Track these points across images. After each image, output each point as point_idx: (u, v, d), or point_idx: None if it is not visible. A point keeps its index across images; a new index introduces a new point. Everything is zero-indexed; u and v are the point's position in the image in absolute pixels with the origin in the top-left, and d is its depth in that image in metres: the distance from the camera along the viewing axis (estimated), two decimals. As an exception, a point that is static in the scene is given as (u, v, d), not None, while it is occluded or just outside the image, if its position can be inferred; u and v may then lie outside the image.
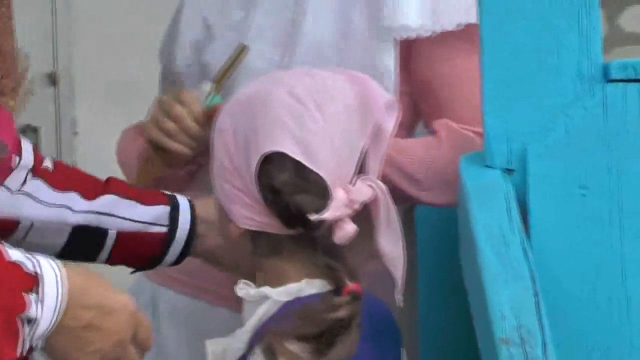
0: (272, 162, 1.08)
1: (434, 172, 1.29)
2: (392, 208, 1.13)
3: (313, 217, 1.06)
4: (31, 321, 0.89)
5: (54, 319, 0.90)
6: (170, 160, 1.37)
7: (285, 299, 1.12)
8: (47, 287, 0.89)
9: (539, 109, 1.14)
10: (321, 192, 1.08)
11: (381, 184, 1.11)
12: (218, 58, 1.37)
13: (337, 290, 1.10)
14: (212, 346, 1.18)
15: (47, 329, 0.90)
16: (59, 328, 0.92)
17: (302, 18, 1.36)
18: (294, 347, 1.06)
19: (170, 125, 1.31)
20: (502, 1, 1.12)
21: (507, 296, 0.96)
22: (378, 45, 1.34)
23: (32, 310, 0.88)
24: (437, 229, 1.42)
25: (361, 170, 1.12)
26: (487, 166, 1.17)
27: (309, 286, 1.13)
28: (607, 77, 1.12)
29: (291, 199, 1.08)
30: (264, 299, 1.13)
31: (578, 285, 1.12)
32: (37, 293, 0.88)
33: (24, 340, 0.89)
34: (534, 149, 1.12)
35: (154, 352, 1.27)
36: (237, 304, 1.20)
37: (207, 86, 1.35)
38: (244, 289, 1.15)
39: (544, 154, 1.12)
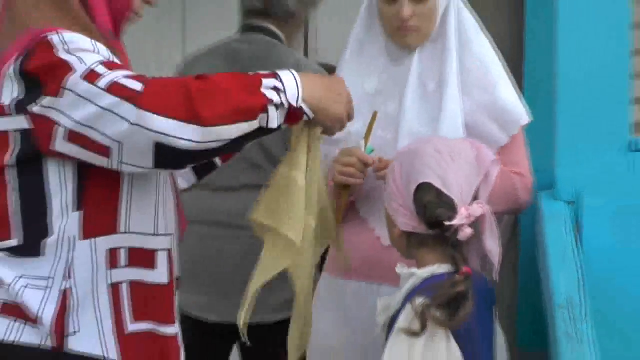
0: (423, 189, 1.62)
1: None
2: (494, 221, 1.67)
3: (447, 223, 1.59)
4: (278, 89, 1.35)
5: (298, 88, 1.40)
6: (352, 191, 1.92)
7: (425, 275, 1.63)
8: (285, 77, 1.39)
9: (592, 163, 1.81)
10: (452, 208, 1.59)
11: (487, 206, 1.67)
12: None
13: (457, 271, 1.60)
14: (381, 302, 1.73)
15: (295, 95, 1.39)
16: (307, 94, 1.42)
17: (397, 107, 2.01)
18: (433, 311, 1.55)
19: (351, 169, 1.89)
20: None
21: (564, 279, 1.56)
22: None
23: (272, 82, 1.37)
24: (529, 238, 2.06)
25: (475, 197, 1.67)
26: (556, 199, 1.81)
27: (440, 268, 1.63)
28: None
29: (434, 211, 1.60)
30: (412, 276, 1.66)
31: (612, 275, 1.76)
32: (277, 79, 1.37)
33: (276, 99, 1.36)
34: (587, 191, 1.77)
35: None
36: (395, 282, 1.73)
37: (362, 144, 1.89)
38: (401, 268, 1.69)
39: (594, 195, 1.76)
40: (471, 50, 1.97)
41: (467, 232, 1.60)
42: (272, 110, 1.38)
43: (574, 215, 1.80)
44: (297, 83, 1.40)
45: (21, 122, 1.43)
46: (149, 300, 1.54)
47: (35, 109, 1.40)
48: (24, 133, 1.45)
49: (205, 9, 3.24)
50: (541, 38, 2.78)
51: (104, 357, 1.46)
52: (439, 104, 1.92)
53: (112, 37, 1.56)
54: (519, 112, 1.90)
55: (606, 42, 2.02)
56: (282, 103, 1.38)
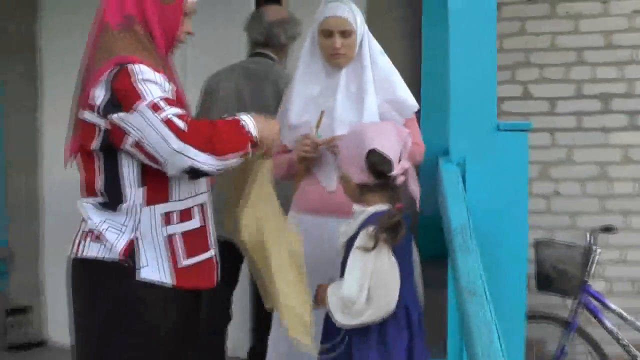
0: (372, 153, 2.22)
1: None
2: (413, 171, 2.34)
3: (389, 174, 2.23)
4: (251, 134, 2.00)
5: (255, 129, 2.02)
6: (308, 162, 2.66)
7: (373, 211, 2.26)
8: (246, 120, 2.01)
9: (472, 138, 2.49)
10: (390, 164, 2.22)
11: (409, 162, 2.32)
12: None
13: (394, 207, 2.25)
14: (341, 227, 2.32)
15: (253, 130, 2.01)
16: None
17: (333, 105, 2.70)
18: (381, 233, 2.14)
19: (307, 147, 2.62)
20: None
21: (457, 213, 2.21)
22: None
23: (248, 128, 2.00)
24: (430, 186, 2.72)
25: (400, 158, 2.28)
26: (449, 162, 2.52)
27: (382, 207, 2.26)
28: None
29: (378, 167, 2.22)
30: (363, 212, 2.27)
31: (484, 209, 2.41)
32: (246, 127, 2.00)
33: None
34: (470, 158, 2.48)
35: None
36: (347, 215, 2.35)
37: (314, 131, 2.63)
38: (356, 207, 2.30)
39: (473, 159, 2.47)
40: (377, 65, 2.74)
41: (401, 178, 2.26)
42: (248, 146, 2.05)
43: (462, 172, 2.49)
44: (252, 123, 2.07)
45: (104, 123, 1.95)
46: (191, 241, 2.10)
47: (114, 117, 1.91)
48: (105, 131, 1.96)
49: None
50: (435, 53, 3.66)
51: (164, 282, 2.04)
52: (360, 101, 2.67)
53: (165, 58, 2.13)
54: (411, 103, 2.73)
55: (482, 54, 2.59)
56: (251, 139, 2.06)
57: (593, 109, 4.41)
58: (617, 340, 3.85)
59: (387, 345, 2.19)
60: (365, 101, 2.64)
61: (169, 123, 1.90)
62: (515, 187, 2.53)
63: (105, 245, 2.01)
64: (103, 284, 2.03)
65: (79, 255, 2.05)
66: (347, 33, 2.62)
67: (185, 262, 2.07)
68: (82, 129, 2.03)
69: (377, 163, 2.23)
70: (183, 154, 1.90)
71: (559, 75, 4.42)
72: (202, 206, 2.15)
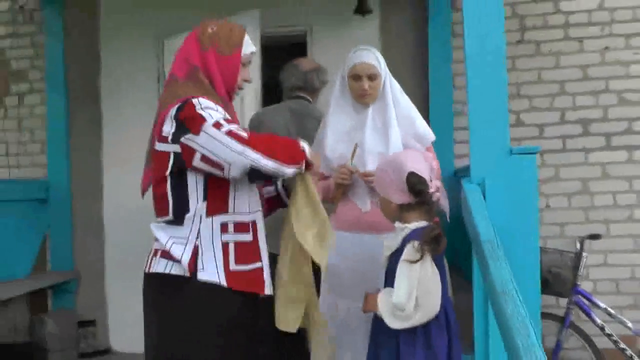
0: (410, 175, 2.30)
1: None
2: (444, 189, 2.47)
3: (427, 192, 2.33)
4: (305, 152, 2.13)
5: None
6: (345, 189, 2.76)
7: (414, 227, 2.34)
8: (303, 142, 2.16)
9: (490, 162, 2.54)
10: (426, 184, 2.34)
11: (439, 181, 2.44)
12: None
13: (432, 222, 2.34)
14: (386, 241, 2.42)
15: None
16: None
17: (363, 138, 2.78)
18: (425, 245, 2.22)
19: (345, 176, 2.71)
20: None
21: (484, 227, 2.31)
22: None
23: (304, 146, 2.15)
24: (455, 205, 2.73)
25: (431, 178, 2.38)
26: (471, 182, 2.59)
27: (420, 223, 2.36)
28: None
29: (417, 187, 2.32)
30: (405, 228, 2.36)
31: (503, 223, 2.39)
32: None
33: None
34: (489, 178, 2.53)
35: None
36: (379, 231, 2.52)
37: (349, 161, 2.70)
38: (398, 224, 2.37)
39: (491, 180, 2.53)
40: (399, 103, 2.82)
41: (437, 195, 2.37)
42: (302, 164, 2.16)
43: (482, 190, 2.49)
44: (307, 150, 2.18)
45: (175, 148, 2.06)
46: (243, 251, 2.15)
47: (182, 139, 2.03)
48: (176, 154, 2.06)
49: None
50: (440, 88, 3.68)
51: (219, 283, 2.07)
52: (385, 135, 2.76)
53: (226, 101, 2.23)
54: (428, 135, 2.83)
55: (492, 88, 2.55)
56: (305, 159, 2.16)
57: (575, 133, 4.59)
58: (606, 334, 3.94)
59: (431, 344, 2.24)
60: (390, 134, 2.76)
61: (230, 133, 2.04)
62: (527, 202, 2.52)
63: (171, 261, 2.09)
64: (168, 293, 2.10)
65: (150, 270, 2.15)
66: (373, 77, 2.76)
67: (235, 267, 2.12)
68: (157, 160, 2.14)
69: (415, 183, 2.33)
70: (244, 155, 2.01)
71: (545, 105, 4.61)
72: (255, 223, 2.22)
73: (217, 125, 2.03)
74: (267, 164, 2.03)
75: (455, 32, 4.52)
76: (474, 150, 2.56)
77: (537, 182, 2.59)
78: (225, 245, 2.11)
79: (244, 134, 2.05)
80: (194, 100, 2.07)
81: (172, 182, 2.11)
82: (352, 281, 2.65)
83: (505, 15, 2.65)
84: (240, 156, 2.00)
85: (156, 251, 2.14)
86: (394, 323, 2.20)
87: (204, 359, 2.08)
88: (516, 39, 4.54)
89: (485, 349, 2.48)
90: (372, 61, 2.75)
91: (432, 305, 2.18)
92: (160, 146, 2.10)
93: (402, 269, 2.20)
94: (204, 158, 2.03)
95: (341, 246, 2.58)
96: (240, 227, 2.16)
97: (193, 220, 2.09)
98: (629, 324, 3.90)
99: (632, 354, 3.86)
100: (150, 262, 2.14)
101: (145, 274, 2.17)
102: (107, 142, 4.98)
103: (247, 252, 2.17)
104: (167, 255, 2.10)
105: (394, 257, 2.31)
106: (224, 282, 2.08)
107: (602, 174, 4.46)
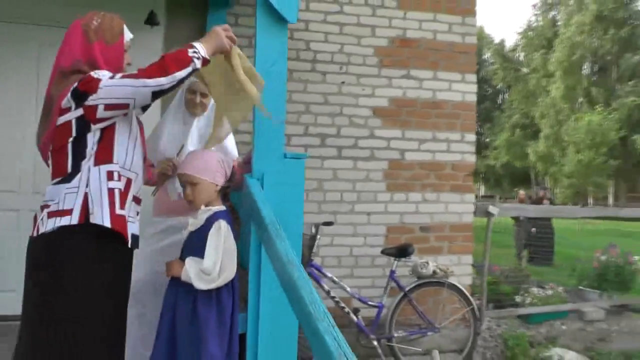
0: (230, 165, 2.46)
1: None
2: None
3: (235, 179, 2.46)
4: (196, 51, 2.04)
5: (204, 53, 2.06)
6: (164, 178, 2.74)
7: (216, 209, 2.40)
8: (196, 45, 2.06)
9: (268, 163, 2.61)
10: (234, 174, 2.45)
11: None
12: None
13: (228, 206, 2.46)
14: (192, 220, 2.41)
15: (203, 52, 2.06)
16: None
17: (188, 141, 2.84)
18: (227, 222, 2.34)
19: (169, 168, 2.71)
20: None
21: (266, 211, 2.33)
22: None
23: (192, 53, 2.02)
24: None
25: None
26: (252, 177, 2.63)
27: (222, 207, 2.43)
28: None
29: (234, 175, 2.45)
30: (209, 210, 2.39)
31: (278, 209, 2.51)
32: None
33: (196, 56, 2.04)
34: (267, 175, 2.61)
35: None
36: (183, 214, 2.53)
37: (176, 157, 2.74)
38: (203, 208, 2.39)
39: (268, 177, 2.61)
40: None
41: (238, 180, 2.51)
42: (196, 61, 2.05)
43: (261, 185, 2.53)
44: (202, 47, 2.08)
45: (77, 113, 1.95)
46: (123, 198, 2.03)
47: (86, 102, 1.93)
48: (78, 119, 1.95)
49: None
50: None
51: (106, 225, 1.92)
52: (203, 142, 2.79)
53: None
54: (234, 152, 3.03)
55: (275, 106, 2.55)
56: (198, 57, 2.06)
57: (315, 144, 4.82)
58: (330, 296, 4.21)
59: (222, 304, 2.26)
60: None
61: (124, 77, 1.97)
62: (296, 195, 2.60)
63: (60, 217, 1.92)
64: (58, 247, 1.91)
65: (38, 233, 1.94)
66: (204, 95, 2.84)
67: (119, 212, 2.00)
68: (59, 133, 1.98)
69: (233, 172, 2.48)
70: (144, 86, 1.94)
71: (293, 120, 4.71)
72: (132, 180, 2.12)
73: (111, 77, 1.97)
74: (165, 81, 1.96)
75: None
76: (257, 153, 2.59)
77: (303, 181, 2.65)
78: (110, 192, 1.98)
79: (135, 71, 1.99)
80: (92, 72, 1.98)
81: (73, 144, 1.97)
82: (163, 255, 2.65)
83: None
84: (141, 88, 1.94)
85: (43, 214, 1.96)
86: (200, 285, 2.22)
87: (88, 310, 1.92)
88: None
89: (256, 308, 2.51)
90: None
91: (231, 271, 2.26)
92: (61, 119, 1.97)
93: (211, 242, 2.26)
94: (108, 106, 1.94)
95: (158, 230, 2.76)
96: (123, 179, 2.06)
97: (82, 171, 1.97)
98: (347, 289, 4.27)
99: (349, 310, 4.21)
100: (38, 226, 1.94)
101: (32, 238, 1.96)
102: None
103: (124, 201, 2.04)
104: (55, 213, 1.92)
105: (196, 233, 2.35)
106: (109, 224, 1.94)
107: (333, 177, 4.76)
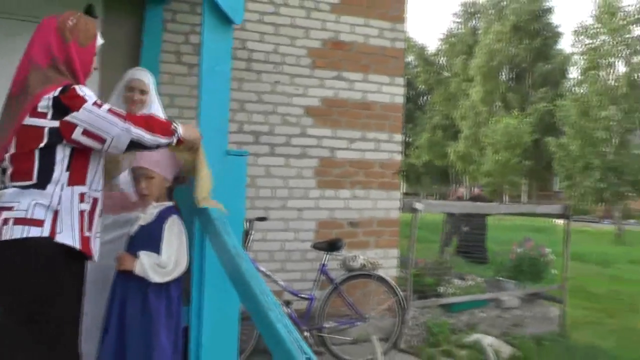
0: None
1: None
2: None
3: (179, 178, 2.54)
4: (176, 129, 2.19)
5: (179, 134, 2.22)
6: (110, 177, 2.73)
7: (168, 205, 2.50)
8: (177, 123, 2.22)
9: (214, 159, 2.70)
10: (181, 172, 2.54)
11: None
12: None
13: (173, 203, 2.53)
14: (143, 214, 2.48)
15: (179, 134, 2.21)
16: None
17: None
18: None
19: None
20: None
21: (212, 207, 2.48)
22: None
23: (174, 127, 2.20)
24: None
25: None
26: None
27: (169, 203, 2.52)
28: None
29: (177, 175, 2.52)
30: (161, 205, 2.49)
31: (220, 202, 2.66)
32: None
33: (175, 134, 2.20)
34: (212, 172, 2.68)
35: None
36: (129, 210, 2.58)
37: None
38: (154, 203, 2.48)
39: (214, 171, 2.69)
40: (157, 109, 2.98)
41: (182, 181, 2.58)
42: (175, 136, 2.22)
43: None
44: (181, 128, 2.25)
45: (53, 124, 1.96)
46: (91, 220, 2.10)
47: (67, 117, 1.96)
48: (51, 129, 1.96)
49: None
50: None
51: (74, 246, 1.99)
52: None
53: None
54: None
55: (219, 105, 2.68)
56: (177, 135, 2.23)
57: (249, 141, 4.92)
58: None
59: (171, 295, 2.34)
60: None
61: (111, 111, 2.03)
62: (238, 190, 2.71)
63: (28, 226, 1.93)
64: (26, 256, 1.93)
65: (2, 239, 1.93)
66: (143, 92, 2.92)
67: (87, 234, 2.08)
68: (24, 132, 1.98)
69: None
70: (128, 131, 2.03)
71: (261, 119, 4.88)
72: (98, 199, 2.18)
73: (97, 104, 2.01)
74: (149, 137, 2.09)
75: (164, 49, 4.47)
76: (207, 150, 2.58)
77: (245, 178, 2.78)
78: (81, 213, 2.04)
79: (123, 112, 2.07)
80: (76, 87, 2.01)
81: (40, 152, 1.98)
82: (113, 248, 2.64)
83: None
84: (124, 132, 2.02)
85: (6, 220, 1.93)
86: (156, 278, 2.30)
87: (59, 315, 1.96)
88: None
89: (200, 301, 2.58)
90: (145, 79, 2.94)
91: (184, 264, 2.35)
92: (32, 121, 1.97)
93: (166, 236, 2.34)
94: (86, 132, 1.99)
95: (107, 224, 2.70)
96: (93, 202, 2.12)
97: (55, 188, 1.99)
98: (280, 282, 4.46)
99: (281, 303, 4.37)
100: (1, 231, 1.93)
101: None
102: None
103: (92, 221, 2.12)
104: (23, 221, 1.93)
105: (147, 227, 2.41)
106: (78, 246, 2.01)
107: (266, 173, 4.89)
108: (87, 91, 2.06)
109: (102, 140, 2.03)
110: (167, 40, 4.53)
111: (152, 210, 2.45)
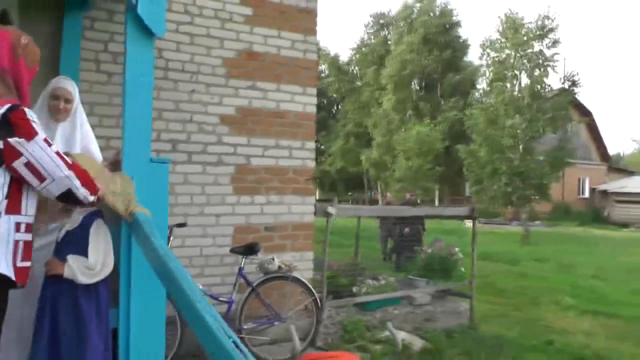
0: None
1: None
2: None
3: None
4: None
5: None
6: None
7: (91, 211, 2.60)
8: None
9: (137, 166, 2.88)
10: None
11: None
12: None
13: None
14: (67, 220, 2.59)
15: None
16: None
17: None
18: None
19: None
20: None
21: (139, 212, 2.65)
22: None
23: None
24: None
25: None
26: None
27: (93, 208, 2.59)
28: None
29: None
30: (85, 211, 2.58)
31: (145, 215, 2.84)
32: None
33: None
34: (135, 178, 2.86)
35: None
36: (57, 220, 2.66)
37: None
38: (79, 209, 2.58)
39: (137, 178, 2.86)
40: (82, 126, 3.05)
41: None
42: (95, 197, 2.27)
43: None
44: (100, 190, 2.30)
45: None
46: (27, 249, 2.09)
47: (10, 140, 1.95)
48: None
49: None
50: None
51: (9, 276, 1.99)
52: (69, 148, 2.88)
53: (26, 103, 2.16)
54: (99, 158, 3.07)
55: (141, 115, 2.79)
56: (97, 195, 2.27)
57: (166, 149, 5.07)
58: None
59: (99, 296, 2.47)
60: (74, 148, 2.92)
61: (58, 154, 2.06)
62: (161, 196, 2.86)
63: None
64: None
65: None
66: (68, 100, 2.94)
67: (21, 264, 2.06)
68: None
69: None
70: (69, 179, 2.06)
71: (178, 128, 5.02)
72: (31, 224, 2.17)
73: (47, 142, 2.02)
74: (82, 192, 2.12)
75: (83, 57, 4.53)
76: (125, 157, 2.77)
77: (167, 184, 2.93)
78: (16, 243, 2.02)
79: (68, 159, 2.08)
80: (25, 109, 2.01)
81: None
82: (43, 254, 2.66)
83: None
84: (66, 179, 2.05)
85: None
86: (84, 279, 2.42)
87: None
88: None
89: (128, 303, 2.67)
90: (70, 88, 2.95)
91: (111, 265, 2.50)
92: None
93: (93, 239, 2.46)
94: (29, 164, 1.98)
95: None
96: (28, 228, 2.10)
97: None
98: (199, 286, 4.53)
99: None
100: None
101: None
102: None
103: (28, 250, 2.10)
104: None
105: (72, 232, 2.53)
106: (12, 277, 2.00)
107: (184, 181, 5.04)
108: (35, 118, 2.06)
109: (41, 179, 2.04)
110: (85, 48, 4.60)
111: (78, 216, 2.57)
